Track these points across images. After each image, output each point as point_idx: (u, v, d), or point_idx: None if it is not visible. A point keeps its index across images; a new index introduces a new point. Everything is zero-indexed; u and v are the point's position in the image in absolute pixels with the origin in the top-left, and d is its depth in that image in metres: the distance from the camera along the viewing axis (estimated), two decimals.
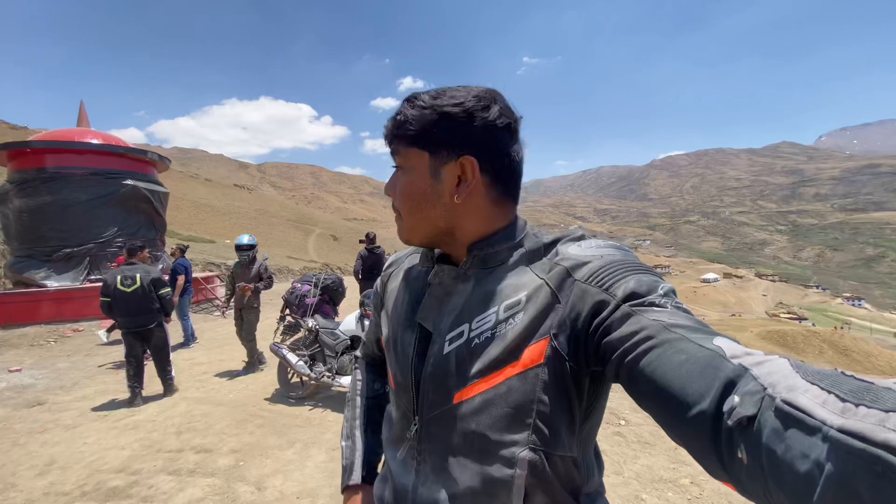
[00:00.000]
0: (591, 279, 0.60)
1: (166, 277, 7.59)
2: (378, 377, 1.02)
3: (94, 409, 4.51)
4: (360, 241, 7.58)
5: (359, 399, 1.00)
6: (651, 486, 2.99)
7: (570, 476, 0.65)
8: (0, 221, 10.77)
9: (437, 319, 0.71)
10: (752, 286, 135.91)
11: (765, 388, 0.38)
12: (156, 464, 3.36)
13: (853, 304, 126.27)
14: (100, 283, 4.71)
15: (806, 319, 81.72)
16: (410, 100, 0.70)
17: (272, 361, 5.73)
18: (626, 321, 0.54)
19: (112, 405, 4.63)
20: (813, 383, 0.36)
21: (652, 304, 0.54)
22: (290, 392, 4.80)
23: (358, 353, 1.09)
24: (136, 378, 4.66)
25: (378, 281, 0.94)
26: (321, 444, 3.67)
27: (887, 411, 0.30)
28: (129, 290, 4.55)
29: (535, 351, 0.61)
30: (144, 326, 4.69)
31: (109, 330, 7.29)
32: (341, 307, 5.80)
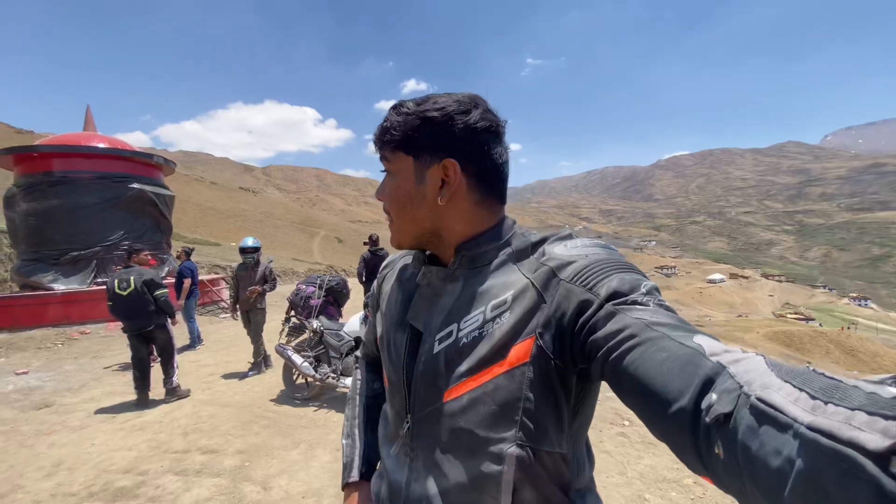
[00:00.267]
0: (575, 279, 0.61)
1: (171, 280, 7.65)
2: (377, 377, 1.03)
3: (102, 411, 4.56)
4: (364, 244, 7.61)
5: (359, 398, 1.02)
6: (654, 486, 2.99)
7: (559, 472, 0.66)
8: (7, 225, 10.88)
9: (428, 320, 0.73)
10: (759, 286, 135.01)
11: (741, 386, 0.39)
12: (163, 464, 3.40)
13: (859, 305, 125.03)
14: (105, 286, 4.74)
15: (813, 320, 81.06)
16: (396, 107, 0.73)
17: (277, 363, 5.76)
18: (609, 320, 0.55)
19: (119, 407, 4.67)
20: (786, 381, 0.37)
21: (635, 303, 0.55)
22: (296, 393, 4.83)
23: (358, 353, 1.11)
24: (142, 380, 4.70)
25: (375, 281, 0.96)
26: (326, 444, 3.70)
27: (853, 409, 0.31)
28: (124, 293, 4.57)
29: (521, 350, 0.62)
30: (144, 328, 4.69)
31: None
32: (345, 309, 5.83)
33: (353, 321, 4.84)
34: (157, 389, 4.93)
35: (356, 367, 1.09)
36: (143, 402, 4.66)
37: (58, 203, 10.16)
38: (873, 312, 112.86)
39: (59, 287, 9.79)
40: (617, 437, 3.76)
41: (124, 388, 5.18)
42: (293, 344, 4.91)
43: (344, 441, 0.98)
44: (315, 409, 4.51)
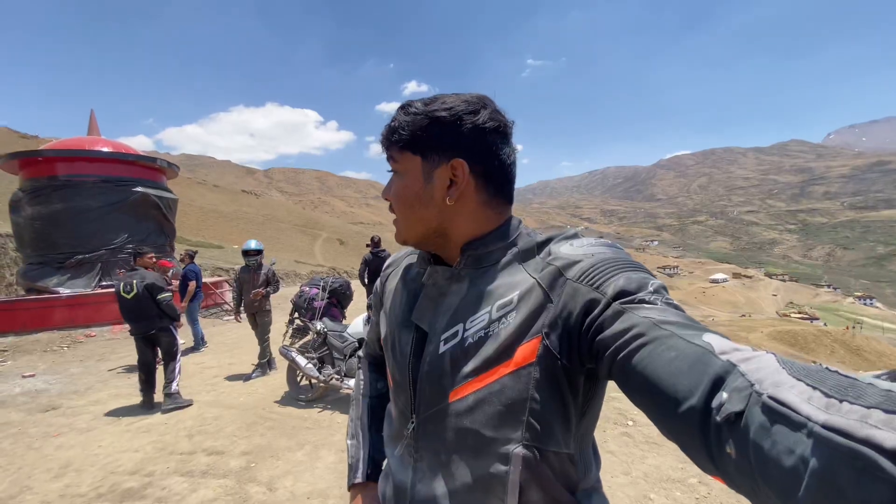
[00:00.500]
0: (581, 278, 0.61)
1: (176, 283, 7.69)
2: (381, 376, 1.03)
3: (108, 413, 4.59)
4: (367, 245, 7.63)
5: (363, 398, 1.01)
6: (659, 486, 2.99)
7: (565, 472, 0.66)
8: (13, 229, 10.97)
9: (433, 319, 0.72)
10: (762, 286, 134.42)
11: (752, 385, 0.38)
12: (169, 466, 3.42)
13: (864, 303, 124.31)
14: (111, 289, 4.77)
15: (817, 319, 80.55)
16: (404, 107, 0.73)
17: (281, 365, 5.78)
18: (617, 319, 0.54)
19: (125, 409, 4.71)
20: (799, 379, 0.36)
21: (642, 302, 0.55)
22: (300, 394, 4.84)
23: (361, 353, 1.10)
24: (147, 382, 4.73)
25: (378, 280, 0.95)
26: (330, 445, 3.71)
27: (869, 407, 0.30)
28: (129, 296, 4.59)
29: (527, 350, 0.62)
30: (148, 332, 4.71)
31: None
32: (348, 310, 5.84)
33: (356, 322, 4.85)
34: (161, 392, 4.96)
35: (359, 368, 1.08)
36: (148, 404, 4.68)
37: (62, 207, 10.25)
38: (878, 311, 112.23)
39: (65, 290, 9.86)
40: (621, 436, 3.76)
41: (130, 390, 5.21)
42: (297, 346, 4.93)
43: (349, 442, 0.97)
44: (319, 410, 4.53)
